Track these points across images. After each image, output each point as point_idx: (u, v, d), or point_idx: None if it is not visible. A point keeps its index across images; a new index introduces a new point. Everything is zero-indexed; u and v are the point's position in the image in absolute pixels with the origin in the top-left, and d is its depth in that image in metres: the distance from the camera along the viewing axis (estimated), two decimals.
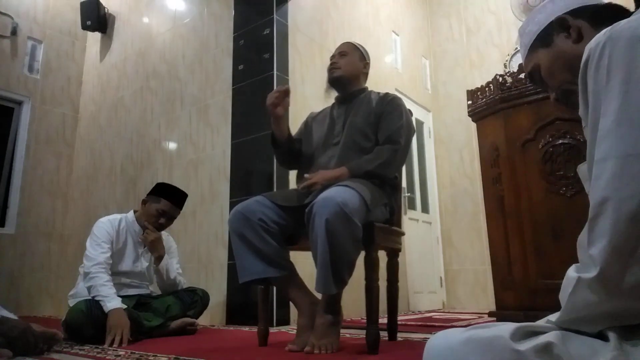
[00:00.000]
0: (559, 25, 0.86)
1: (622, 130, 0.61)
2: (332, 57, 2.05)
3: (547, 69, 0.89)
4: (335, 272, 1.55)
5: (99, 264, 2.15)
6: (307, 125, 2.13)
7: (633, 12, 0.77)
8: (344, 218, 1.51)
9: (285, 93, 1.88)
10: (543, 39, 0.89)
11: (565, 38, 0.85)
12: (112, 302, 2.04)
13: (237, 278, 1.78)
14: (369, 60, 2.10)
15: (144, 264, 2.41)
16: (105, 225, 2.29)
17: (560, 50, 0.86)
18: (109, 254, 2.22)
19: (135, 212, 2.44)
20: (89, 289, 2.12)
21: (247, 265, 1.75)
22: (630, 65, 0.62)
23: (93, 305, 2.04)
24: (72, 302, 2.20)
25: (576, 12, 0.85)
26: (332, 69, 2.02)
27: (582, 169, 0.79)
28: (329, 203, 1.52)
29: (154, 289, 2.54)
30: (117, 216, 2.39)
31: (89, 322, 2.00)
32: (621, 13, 0.82)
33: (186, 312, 2.41)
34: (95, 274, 2.11)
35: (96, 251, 2.19)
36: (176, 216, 2.47)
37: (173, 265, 2.49)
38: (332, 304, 1.63)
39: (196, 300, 2.48)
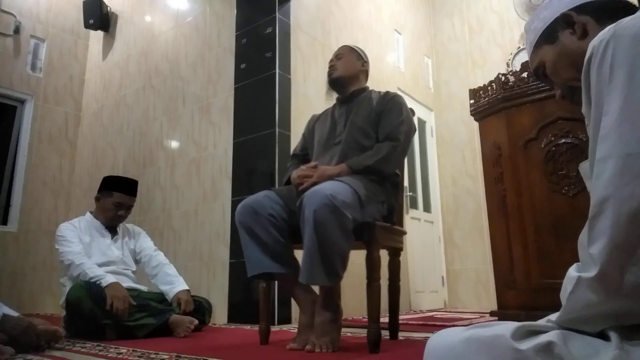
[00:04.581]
0: (564, 21, 0.85)
1: (623, 129, 0.61)
2: (330, 61, 2.07)
3: (552, 66, 0.88)
4: (327, 264, 1.55)
5: (78, 253, 2.21)
6: (309, 128, 2.15)
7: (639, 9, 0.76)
8: (332, 209, 1.51)
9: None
10: (548, 36, 0.88)
11: (570, 34, 0.84)
12: (107, 277, 2.11)
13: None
14: (367, 59, 2.10)
15: (115, 252, 2.42)
16: (67, 226, 2.36)
17: (565, 47, 0.85)
18: (81, 245, 2.27)
19: (91, 212, 2.50)
20: (78, 277, 2.14)
21: (255, 259, 1.75)
22: (634, 63, 0.61)
23: (92, 283, 2.07)
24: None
25: (581, 8, 0.84)
26: (330, 71, 2.04)
27: (584, 167, 0.78)
28: (318, 195, 1.54)
29: (152, 286, 2.53)
30: (75, 219, 2.45)
31: (88, 295, 2.01)
32: (627, 9, 0.80)
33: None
34: (79, 261, 2.17)
35: (69, 247, 2.24)
36: (132, 204, 2.50)
37: (151, 246, 2.56)
38: (329, 300, 1.63)
39: (203, 312, 2.43)
